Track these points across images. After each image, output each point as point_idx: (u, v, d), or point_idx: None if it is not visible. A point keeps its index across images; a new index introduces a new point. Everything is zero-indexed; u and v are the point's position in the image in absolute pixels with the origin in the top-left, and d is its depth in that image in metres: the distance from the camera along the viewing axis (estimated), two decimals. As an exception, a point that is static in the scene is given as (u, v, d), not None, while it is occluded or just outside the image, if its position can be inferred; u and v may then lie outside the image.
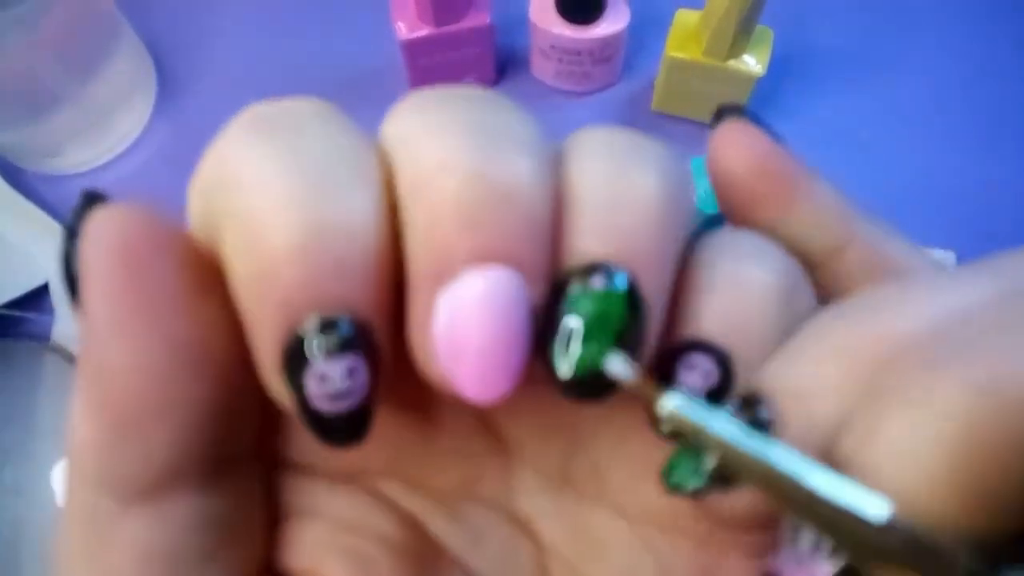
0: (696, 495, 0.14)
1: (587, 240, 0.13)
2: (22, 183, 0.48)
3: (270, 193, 0.12)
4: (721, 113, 0.16)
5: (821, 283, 0.16)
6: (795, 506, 0.11)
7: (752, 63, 0.44)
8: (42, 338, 0.44)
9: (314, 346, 0.12)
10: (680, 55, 0.44)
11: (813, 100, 0.49)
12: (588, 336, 0.13)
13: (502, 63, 0.51)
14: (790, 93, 0.50)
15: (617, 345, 0.13)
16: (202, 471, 0.13)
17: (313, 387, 0.12)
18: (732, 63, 0.43)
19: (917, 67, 0.50)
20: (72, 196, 0.48)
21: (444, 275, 0.12)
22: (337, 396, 0.12)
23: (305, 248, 0.12)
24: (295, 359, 0.12)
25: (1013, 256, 0.12)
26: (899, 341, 0.12)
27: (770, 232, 0.16)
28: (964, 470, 0.10)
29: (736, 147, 0.16)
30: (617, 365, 0.13)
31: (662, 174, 0.14)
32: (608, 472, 0.17)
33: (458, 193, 0.12)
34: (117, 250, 0.12)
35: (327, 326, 0.12)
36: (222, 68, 0.52)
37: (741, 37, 0.42)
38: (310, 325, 0.12)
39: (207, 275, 0.13)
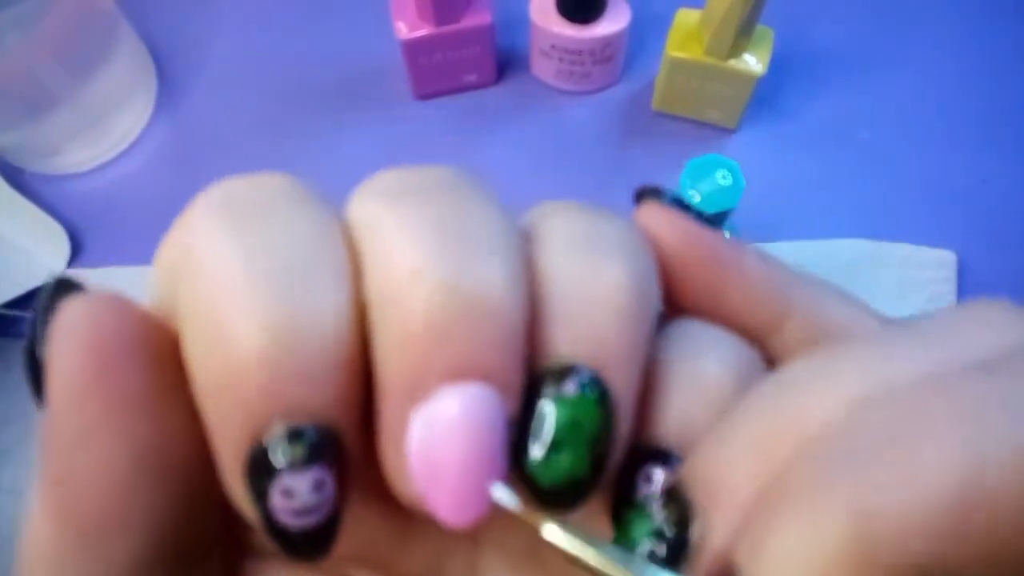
0: None
1: (559, 341, 0.13)
2: (22, 183, 0.48)
3: (232, 292, 0.12)
4: (639, 196, 0.16)
5: (766, 358, 0.15)
6: None
7: (753, 63, 0.43)
8: (42, 338, 0.44)
9: (279, 458, 0.11)
10: (681, 55, 0.44)
11: (814, 100, 0.49)
12: (562, 445, 0.12)
13: (502, 63, 0.50)
14: (791, 93, 0.49)
15: (590, 451, 0.12)
16: (164, 574, 0.13)
17: (278, 501, 0.12)
18: (733, 63, 0.43)
19: (919, 67, 0.50)
20: (72, 196, 0.48)
21: (417, 392, 0.12)
22: (303, 511, 0.12)
23: (269, 353, 0.11)
24: (259, 470, 0.12)
25: (950, 320, 0.12)
26: (810, 429, 0.11)
27: (706, 316, 0.15)
28: None
29: (656, 231, 0.15)
30: (501, 493, 0.12)
31: (630, 264, 0.13)
32: None
33: (430, 306, 0.12)
34: (86, 350, 0.12)
35: (293, 436, 0.11)
36: (222, 68, 0.52)
37: (742, 37, 0.42)
38: (275, 435, 0.11)
39: (174, 371, 0.12)
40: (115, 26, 0.46)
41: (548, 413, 0.12)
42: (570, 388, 0.12)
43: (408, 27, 0.45)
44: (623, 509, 0.14)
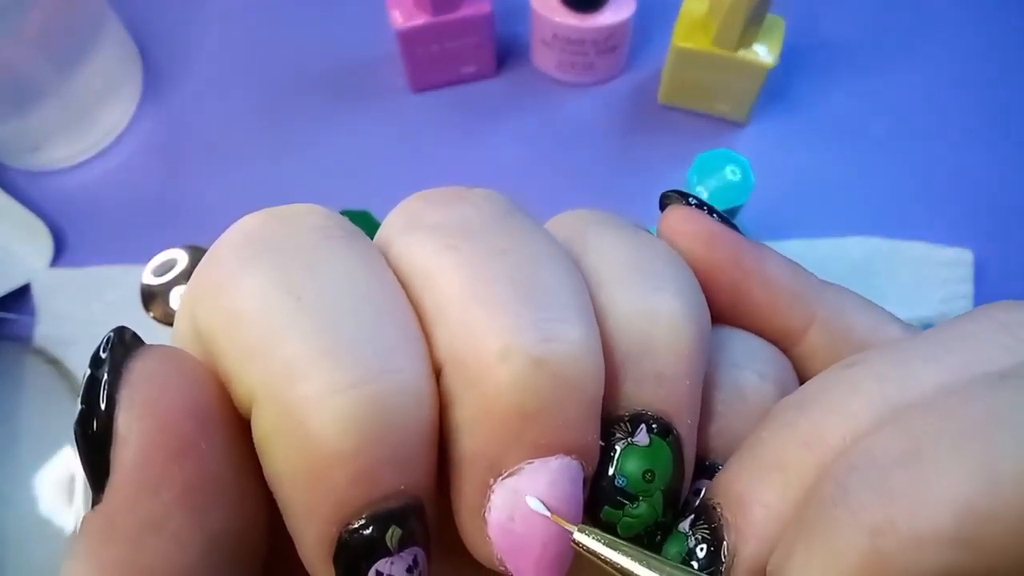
0: None
1: (626, 390, 0.13)
2: (4, 180, 0.48)
3: (301, 373, 0.11)
4: (664, 200, 0.17)
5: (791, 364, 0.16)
6: None
7: (763, 53, 0.43)
8: (23, 339, 0.43)
9: (374, 545, 0.11)
10: (688, 45, 0.43)
11: (827, 92, 0.49)
12: (640, 494, 0.13)
13: (502, 53, 0.50)
14: (803, 85, 0.49)
15: (664, 497, 0.13)
16: None
17: None
18: (742, 53, 0.43)
19: (935, 59, 0.50)
20: (56, 193, 0.47)
21: (500, 465, 0.12)
22: None
23: (358, 445, 0.11)
24: (350, 557, 0.11)
25: (967, 325, 0.12)
26: (831, 448, 0.12)
27: (733, 321, 0.16)
28: None
29: (681, 233, 0.16)
30: (535, 503, 0.12)
31: (684, 296, 0.14)
32: None
33: (518, 384, 0.12)
34: (164, 429, 0.11)
35: (387, 520, 0.11)
36: (211, 60, 0.51)
37: (752, 26, 0.41)
38: (367, 523, 0.11)
39: (244, 442, 0.12)
40: (101, 17, 0.46)
41: (623, 466, 0.13)
42: (642, 438, 0.13)
43: (404, 16, 0.44)
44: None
